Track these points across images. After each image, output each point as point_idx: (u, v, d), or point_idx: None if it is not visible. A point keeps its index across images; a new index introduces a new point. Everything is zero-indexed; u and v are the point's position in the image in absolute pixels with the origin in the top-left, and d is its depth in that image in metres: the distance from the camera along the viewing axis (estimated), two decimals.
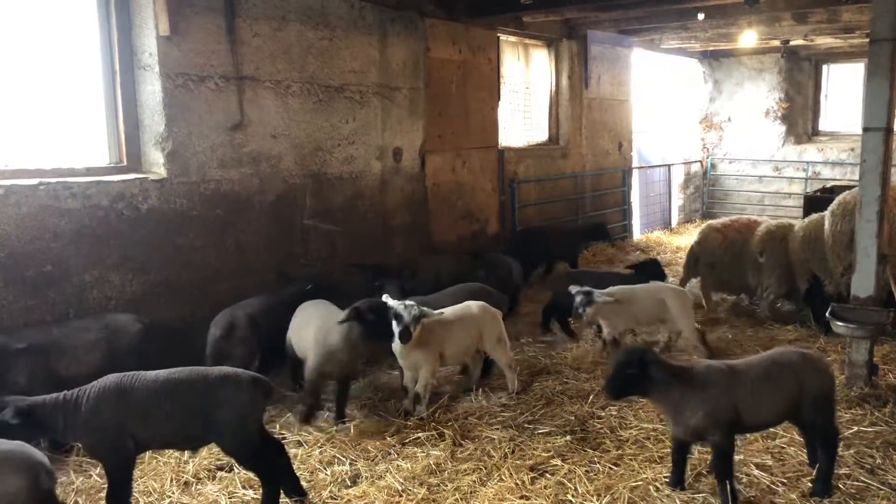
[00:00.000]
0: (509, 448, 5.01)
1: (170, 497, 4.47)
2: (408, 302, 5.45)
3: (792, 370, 4.27)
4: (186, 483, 4.64)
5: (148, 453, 4.81)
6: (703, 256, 8.67)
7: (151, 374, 4.07)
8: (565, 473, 4.66)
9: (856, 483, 4.47)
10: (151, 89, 6.21)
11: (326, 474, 4.72)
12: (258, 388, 4.13)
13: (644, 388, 4.15)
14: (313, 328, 5.56)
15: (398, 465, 4.82)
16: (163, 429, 4.00)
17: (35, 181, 5.52)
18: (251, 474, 4.40)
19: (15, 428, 3.74)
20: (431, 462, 4.82)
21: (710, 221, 9.43)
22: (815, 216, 7.88)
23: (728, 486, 4.12)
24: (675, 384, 4.10)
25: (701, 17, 10.33)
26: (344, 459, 4.91)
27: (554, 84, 11.85)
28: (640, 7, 9.87)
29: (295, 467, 4.77)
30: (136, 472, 4.53)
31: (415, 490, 4.48)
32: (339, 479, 4.64)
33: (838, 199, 7.44)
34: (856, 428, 5.19)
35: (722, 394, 4.12)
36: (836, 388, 4.60)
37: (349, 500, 4.41)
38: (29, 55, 5.88)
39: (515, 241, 9.95)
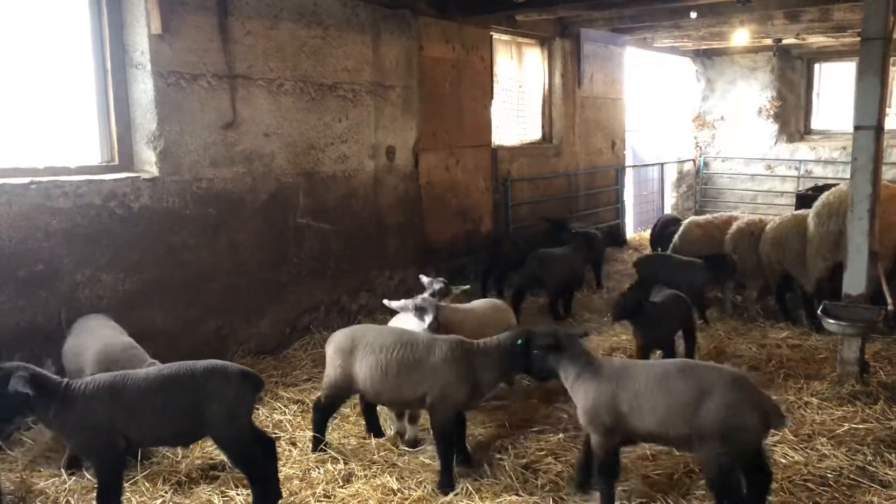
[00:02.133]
0: (503, 446, 5.02)
1: (162, 497, 4.45)
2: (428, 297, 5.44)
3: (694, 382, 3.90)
4: (179, 483, 4.62)
5: (139, 453, 4.79)
6: (682, 250, 8.93)
7: (142, 371, 4.08)
8: (558, 472, 4.67)
9: (847, 480, 4.49)
10: (143, 88, 6.19)
11: (320, 473, 4.71)
12: (246, 382, 4.12)
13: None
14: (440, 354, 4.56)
15: (394, 464, 4.82)
16: (155, 426, 3.99)
17: (26, 180, 5.49)
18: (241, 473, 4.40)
19: (17, 398, 3.73)
20: (427, 460, 4.83)
21: (694, 217, 9.79)
22: (787, 217, 8.04)
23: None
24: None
25: (693, 15, 10.35)
26: (338, 458, 4.90)
27: (547, 83, 11.85)
28: (633, 6, 9.89)
29: (289, 465, 4.79)
30: (130, 473, 4.54)
31: (410, 489, 4.47)
32: (333, 479, 4.63)
33: (821, 199, 7.53)
34: (847, 425, 5.22)
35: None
36: (756, 425, 3.85)
37: (343, 499, 4.40)
38: (20, 54, 5.85)
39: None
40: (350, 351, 4.79)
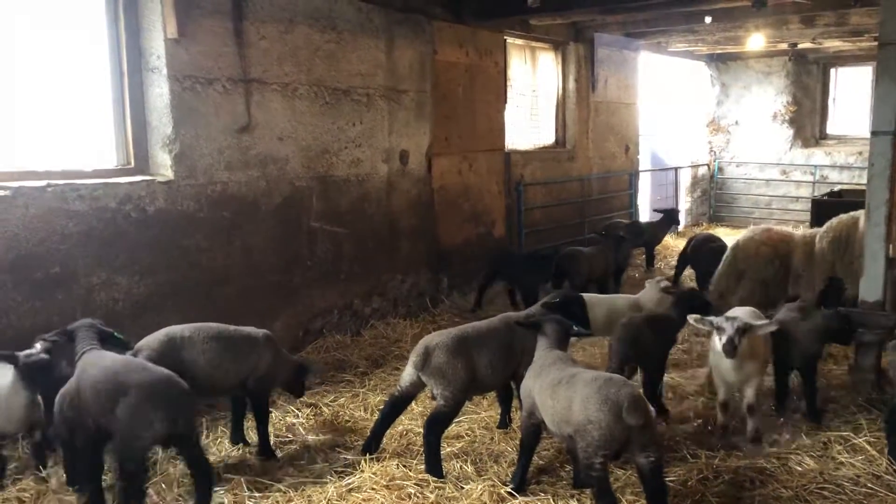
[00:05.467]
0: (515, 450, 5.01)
1: (176, 501, 4.46)
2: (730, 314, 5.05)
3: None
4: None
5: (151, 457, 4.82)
6: (750, 272, 7.84)
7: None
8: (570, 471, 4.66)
9: (863, 489, 4.45)
10: (159, 91, 6.24)
11: (333, 476, 4.71)
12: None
13: None
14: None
15: (410, 466, 4.80)
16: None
17: (43, 183, 5.53)
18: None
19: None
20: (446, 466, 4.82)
21: (750, 235, 8.18)
22: (844, 216, 7.56)
23: None
24: None
25: (708, 20, 10.30)
26: (351, 462, 4.90)
27: (561, 87, 11.84)
28: (648, 10, 9.86)
29: (302, 469, 4.81)
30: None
31: (427, 495, 4.45)
32: (344, 481, 4.62)
33: None
34: (863, 433, 5.17)
35: None
36: None
37: (355, 502, 4.39)
38: (37, 57, 5.91)
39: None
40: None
